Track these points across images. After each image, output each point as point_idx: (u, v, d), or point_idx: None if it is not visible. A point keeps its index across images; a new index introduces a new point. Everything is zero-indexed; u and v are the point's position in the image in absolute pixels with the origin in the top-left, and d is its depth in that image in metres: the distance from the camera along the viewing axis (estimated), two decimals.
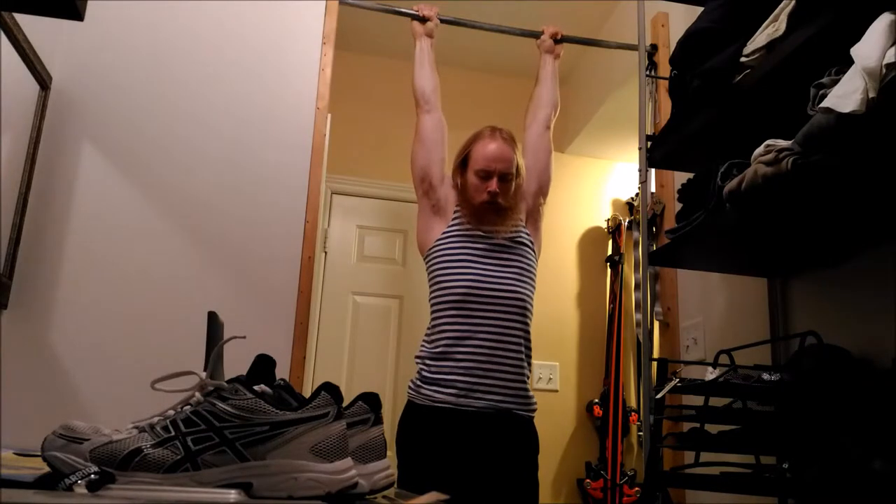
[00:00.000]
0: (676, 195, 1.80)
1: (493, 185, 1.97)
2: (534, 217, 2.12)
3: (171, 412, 0.73)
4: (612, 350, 3.47)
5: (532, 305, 2.00)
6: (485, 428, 1.86)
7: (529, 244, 2.05)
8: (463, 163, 2.06)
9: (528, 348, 1.98)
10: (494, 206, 1.99)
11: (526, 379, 1.95)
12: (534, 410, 1.96)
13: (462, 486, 1.82)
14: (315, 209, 2.29)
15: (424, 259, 2.07)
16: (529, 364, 1.98)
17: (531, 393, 1.97)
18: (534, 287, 2.02)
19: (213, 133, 2.28)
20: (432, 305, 2.01)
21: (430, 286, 2.03)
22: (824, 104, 1.17)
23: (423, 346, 1.99)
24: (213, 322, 0.91)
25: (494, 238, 2.00)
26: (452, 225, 2.04)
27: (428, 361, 1.94)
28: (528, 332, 1.97)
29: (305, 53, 2.41)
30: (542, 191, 2.15)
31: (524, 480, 1.92)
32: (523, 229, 2.05)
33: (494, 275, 1.95)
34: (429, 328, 2.00)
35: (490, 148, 2.00)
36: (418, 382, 1.94)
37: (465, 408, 1.86)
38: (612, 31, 3.20)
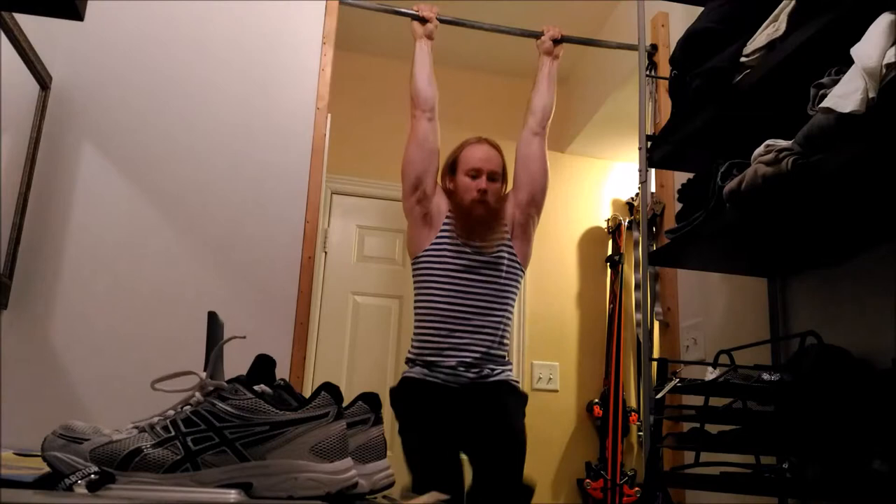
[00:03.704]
0: (676, 195, 1.80)
1: (483, 182, 2.06)
2: (524, 229, 2.14)
3: (171, 412, 0.73)
4: (612, 350, 3.46)
5: (510, 317, 2.10)
6: (466, 396, 1.97)
7: (513, 258, 2.09)
8: (452, 168, 2.13)
9: (505, 350, 2.07)
10: (484, 207, 2.05)
11: (502, 369, 2.04)
12: (514, 380, 2.07)
13: (451, 444, 1.94)
14: (315, 209, 2.29)
15: (412, 265, 2.12)
16: (505, 358, 2.07)
17: (508, 368, 2.07)
18: (513, 301, 2.10)
19: (213, 133, 2.28)
20: (416, 312, 2.08)
21: (415, 294, 2.10)
22: (824, 104, 1.17)
23: (410, 351, 2.08)
24: (213, 322, 0.91)
25: (479, 254, 2.05)
26: (441, 237, 2.07)
27: (415, 363, 2.04)
28: (504, 339, 2.06)
29: (305, 53, 2.41)
30: (535, 201, 2.15)
31: (508, 427, 1.99)
32: (508, 247, 2.09)
33: (475, 292, 2.02)
34: (415, 332, 2.07)
35: (479, 149, 2.11)
36: (410, 367, 2.06)
37: (450, 384, 1.97)
38: (612, 31, 3.20)
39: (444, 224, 2.08)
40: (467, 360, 1.97)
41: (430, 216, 2.10)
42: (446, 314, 2.00)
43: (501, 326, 2.04)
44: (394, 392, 2.05)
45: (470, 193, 2.06)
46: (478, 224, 2.06)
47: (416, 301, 2.08)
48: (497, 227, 2.09)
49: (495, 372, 2.01)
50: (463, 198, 2.07)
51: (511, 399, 2.04)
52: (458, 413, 1.95)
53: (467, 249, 2.04)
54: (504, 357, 2.05)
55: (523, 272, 2.13)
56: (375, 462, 0.85)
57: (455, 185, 2.11)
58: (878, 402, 1.28)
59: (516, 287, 2.10)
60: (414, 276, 2.10)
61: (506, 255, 2.07)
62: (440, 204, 2.12)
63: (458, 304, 2.00)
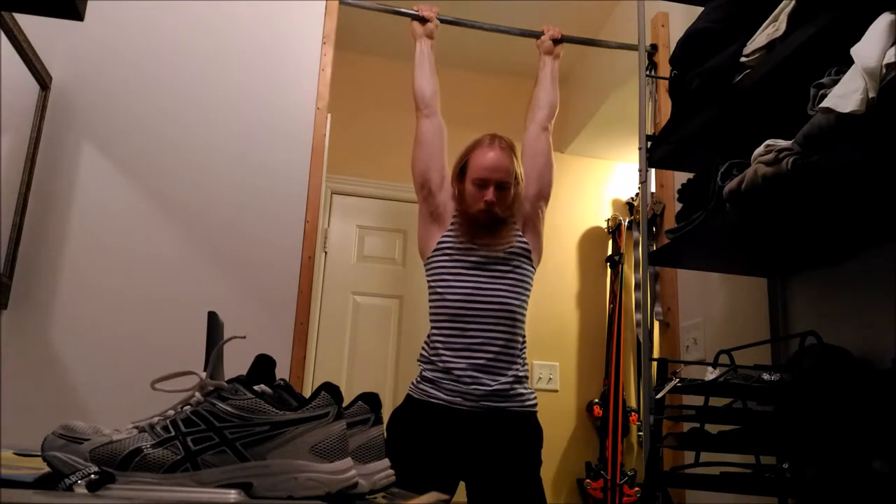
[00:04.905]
0: (676, 195, 1.80)
1: (490, 194, 1.96)
2: (533, 222, 2.10)
3: (171, 412, 0.73)
4: (612, 350, 3.47)
5: (525, 315, 2.02)
6: (475, 424, 1.89)
7: (526, 254, 2.04)
8: (461, 171, 2.05)
9: (522, 352, 2.00)
10: (491, 216, 1.99)
11: (521, 382, 1.97)
12: (530, 406, 1.98)
13: (448, 476, 1.87)
14: (315, 209, 2.29)
15: (424, 266, 2.09)
16: (525, 365, 2.00)
17: (526, 391, 1.98)
18: (528, 297, 2.03)
19: (213, 133, 2.28)
20: (430, 314, 2.03)
21: (429, 294, 2.06)
22: (824, 104, 1.17)
23: (423, 349, 2.02)
24: (213, 322, 0.91)
25: (490, 251, 2.00)
26: (447, 236, 2.04)
27: (427, 365, 1.98)
28: (520, 338, 2.00)
29: (305, 53, 2.41)
30: (542, 194, 2.12)
31: (520, 472, 1.93)
32: (520, 239, 2.04)
33: (486, 288, 1.96)
34: (429, 334, 2.02)
35: (488, 157, 2.00)
36: (418, 379, 1.99)
37: (457, 406, 1.89)
38: (612, 31, 3.20)
39: (452, 223, 2.05)
40: (480, 360, 1.91)
41: (438, 213, 2.07)
42: (458, 314, 1.95)
43: (516, 324, 1.98)
44: (394, 415, 1.96)
45: (477, 204, 1.98)
46: (484, 230, 2.00)
47: (429, 301, 2.04)
48: (506, 230, 2.03)
49: (508, 392, 1.92)
50: (470, 206, 2.00)
51: (527, 440, 1.95)
52: (460, 449, 1.87)
53: (476, 247, 2.00)
54: (519, 356, 1.97)
55: (535, 267, 2.07)
56: (375, 462, 0.85)
57: (462, 190, 2.03)
58: (878, 402, 1.28)
59: (529, 282, 2.04)
60: (427, 276, 2.06)
61: (518, 250, 2.02)
62: (447, 202, 2.08)
63: (469, 303, 1.95)
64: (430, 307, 2.03)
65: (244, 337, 0.82)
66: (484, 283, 1.97)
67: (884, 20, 1.15)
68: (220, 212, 2.23)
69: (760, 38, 1.50)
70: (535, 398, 2.00)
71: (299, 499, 0.69)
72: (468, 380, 1.90)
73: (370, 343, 3.37)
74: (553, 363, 3.50)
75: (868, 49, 1.14)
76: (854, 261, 1.60)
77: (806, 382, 1.39)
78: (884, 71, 1.11)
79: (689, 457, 1.62)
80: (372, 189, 3.53)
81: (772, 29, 1.46)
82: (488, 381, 1.91)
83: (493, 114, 3.42)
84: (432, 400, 1.91)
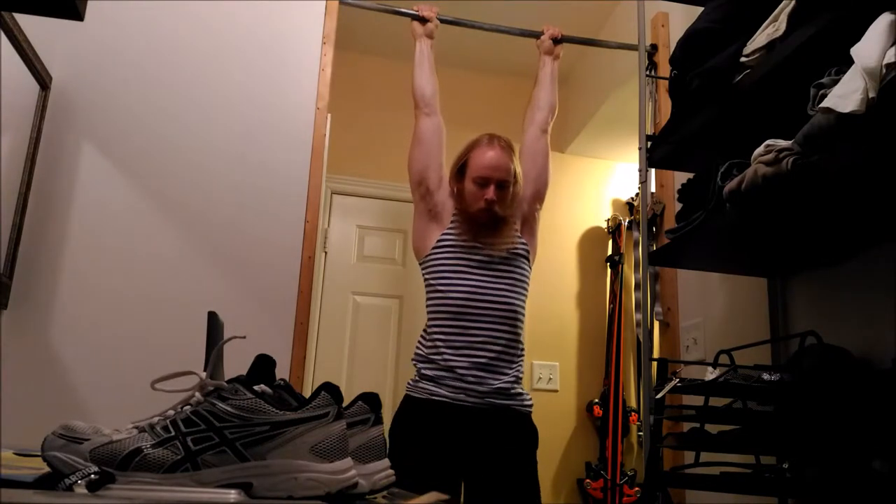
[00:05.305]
0: (676, 195, 1.80)
1: (491, 192, 1.96)
2: (529, 223, 2.11)
3: (171, 412, 0.73)
4: (612, 350, 3.47)
5: (524, 313, 2.03)
6: (480, 421, 1.89)
7: (525, 254, 2.05)
8: (460, 170, 2.05)
9: (521, 353, 2.01)
10: (491, 215, 1.99)
11: (519, 383, 1.98)
12: (529, 406, 1.99)
13: (453, 476, 1.87)
14: (315, 209, 2.29)
15: (420, 264, 2.08)
16: (521, 367, 2.01)
17: (524, 391, 1.99)
18: (526, 295, 2.04)
19: (213, 133, 2.28)
20: (429, 311, 2.03)
21: (427, 293, 2.05)
22: (824, 104, 1.17)
23: (419, 348, 2.02)
24: (213, 322, 0.91)
25: (492, 249, 2.00)
26: (448, 233, 2.03)
27: (426, 364, 1.97)
28: (520, 338, 2.00)
29: (305, 53, 2.41)
30: (539, 195, 2.13)
31: (521, 472, 1.93)
32: (519, 240, 2.05)
33: (488, 287, 1.96)
34: (425, 332, 2.02)
35: (488, 156, 2.00)
36: (416, 378, 1.98)
37: (461, 403, 1.89)
38: (612, 31, 3.20)
39: (453, 221, 2.05)
40: (482, 359, 1.90)
41: (436, 212, 2.07)
42: (461, 312, 1.94)
43: (517, 324, 1.98)
44: (396, 419, 1.95)
45: (477, 203, 1.98)
46: (486, 229, 2.00)
47: (428, 299, 2.03)
48: (507, 229, 2.03)
49: (510, 391, 1.92)
50: (470, 205, 2.00)
51: (527, 440, 1.96)
52: (464, 447, 1.87)
53: (479, 245, 2.00)
54: (518, 356, 1.98)
55: (531, 267, 2.08)
56: (375, 462, 0.85)
57: (462, 190, 2.03)
58: (878, 402, 1.28)
59: (528, 282, 2.05)
60: (425, 274, 2.05)
61: (520, 250, 2.03)
62: (445, 201, 2.08)
63: (472, 301, 1.94)
64: (429, 305, 2.02)
65: (244, 337, 0.82)
66: (487, 281, 1.97)
67: (884, 20, 1.15)
68: (220, 212, 2.23)
69: (760, 38, 1.50)
70: (531, 399, 2.01)
71: (299, 499, 0.69)
72: (472, 378, 1.90)
73: (370, 343, 3.37)
74: (553, 363, 3.50)
75: (868, 49, 1.14)
76: (854, 261, 1.60)
77: (806, 382, 1.39)
78: (884, 71, 1.11)
79: (689, 457, 1.62)
80: (372, 189, 3.53)
81: (772, 29, 1.46)
82: (491, 380, 1.91)
83: (493, 114, 3.42)
84: (435, 398, 1.90)
